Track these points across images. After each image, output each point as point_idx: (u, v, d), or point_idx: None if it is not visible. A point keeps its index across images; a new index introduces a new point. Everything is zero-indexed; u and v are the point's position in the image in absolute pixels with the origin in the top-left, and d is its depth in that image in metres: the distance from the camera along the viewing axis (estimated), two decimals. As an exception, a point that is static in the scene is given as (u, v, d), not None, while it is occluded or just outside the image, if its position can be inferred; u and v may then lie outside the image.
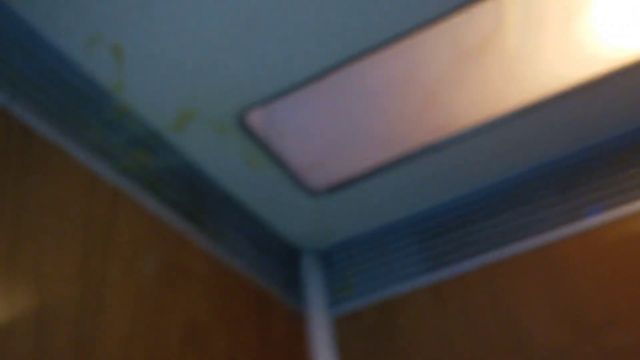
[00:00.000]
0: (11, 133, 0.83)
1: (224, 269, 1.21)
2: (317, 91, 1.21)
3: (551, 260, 1.29)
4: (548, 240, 1.31)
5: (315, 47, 1.05)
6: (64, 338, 0.80)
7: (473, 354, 1.26)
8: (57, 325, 0.80)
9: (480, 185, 1.44)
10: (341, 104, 1.25)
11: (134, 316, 0.93)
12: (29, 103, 0.87)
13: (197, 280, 1.11)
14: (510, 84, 1.24)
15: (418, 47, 1.14)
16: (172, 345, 0.99)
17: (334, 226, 1.49)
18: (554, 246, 1.30)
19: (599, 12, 1.10)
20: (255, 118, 1.18)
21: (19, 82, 0.86)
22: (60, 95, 0.93)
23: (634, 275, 1.19)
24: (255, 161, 1.25)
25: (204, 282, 1.13)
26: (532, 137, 1.34)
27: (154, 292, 0.99)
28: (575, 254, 1.27)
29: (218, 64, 1.04)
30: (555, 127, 1.32)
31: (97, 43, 0.95)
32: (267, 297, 1.33)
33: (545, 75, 1.22)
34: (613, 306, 1.18)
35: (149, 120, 1.09)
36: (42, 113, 0.88)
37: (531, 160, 1.40)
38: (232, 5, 0.96)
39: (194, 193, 1.19)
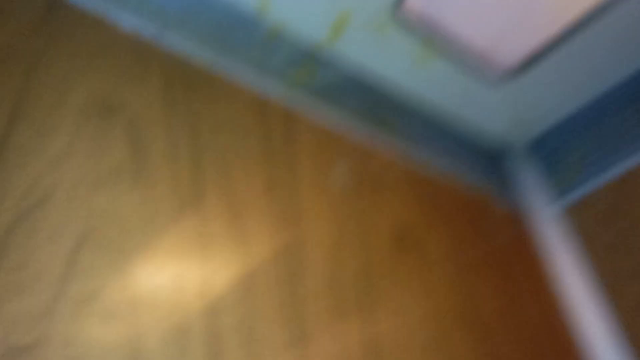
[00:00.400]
0: (166, 61, 0.85)
1: (425, 174, 1.13)
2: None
3: None
4: None
5: None
6: (266, 233, 0.79)
7: None
8: (254, 219, 0.79)
9: None
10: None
11: (337, 223, 0.90)
12: (179, 33, 0.89)
13: (398, 185, 1.05)
14: None
15: None
16: (386, 247, 0.94)
17: (534, 113, 1.31)
18: None
19: None
20: (412, 6, 1.09)
21: (164, 15, 0.89)
22: (208, 22, 0.95)
23: None
24: (425, 57, 1.15)
25: (407, 186, 1.06)
26: None
27: (352, 198, 0.95)
28: None
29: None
30: None
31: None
32: (479, 201, 1.21)
33: None
34: None
35: (306, 34, 1.06)
36: (195, 40, 0.90)
37: None
38: None
39: (371, 100, 1.14)
